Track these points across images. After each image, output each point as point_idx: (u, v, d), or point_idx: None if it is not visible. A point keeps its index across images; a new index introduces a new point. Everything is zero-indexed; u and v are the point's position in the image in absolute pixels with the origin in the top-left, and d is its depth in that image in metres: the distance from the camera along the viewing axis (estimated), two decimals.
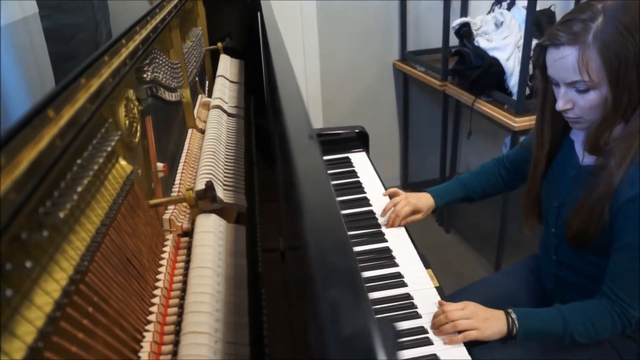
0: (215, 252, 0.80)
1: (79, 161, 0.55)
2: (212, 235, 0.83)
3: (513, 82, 2.48)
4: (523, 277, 1.56)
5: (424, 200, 1.59)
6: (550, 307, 1.26)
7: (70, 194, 0.52)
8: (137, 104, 0.85)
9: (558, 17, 3.01)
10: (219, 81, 1.59)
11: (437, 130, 3.17)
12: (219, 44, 1.93)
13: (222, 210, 0.95)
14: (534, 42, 2.42)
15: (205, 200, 0.89)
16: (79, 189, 0.54)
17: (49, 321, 0.45)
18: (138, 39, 0.78)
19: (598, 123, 1.14)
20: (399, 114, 3.44)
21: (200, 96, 1.60)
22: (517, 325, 1.18)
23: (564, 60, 1.11)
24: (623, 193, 1.10)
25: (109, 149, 0.65)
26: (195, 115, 1.39)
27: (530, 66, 2.44)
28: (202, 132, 1.36)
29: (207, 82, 1.89)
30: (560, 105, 1.17)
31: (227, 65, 1.78)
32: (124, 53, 0.69)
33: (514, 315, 1.18)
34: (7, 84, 0.65)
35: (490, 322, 1.18)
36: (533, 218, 1.44)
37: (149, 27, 0.86)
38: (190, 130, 1.33)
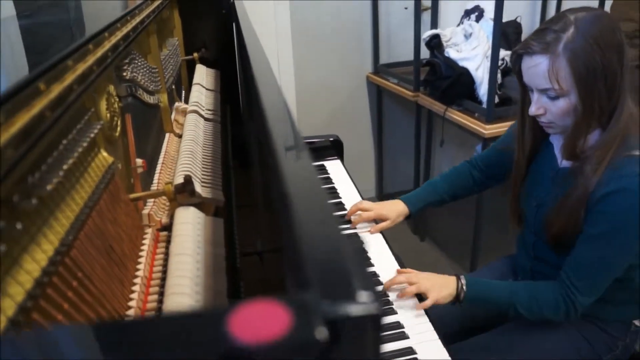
0: (194, 241, 0.82)
1: (64, 141, 0.58)
2: (190, 226, 0.86)
3: (483, 91, 2.55)
4: (498, 273, 1.61)
5: (390, 206, 1.61)
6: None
7: (56, 170, 0.54)
8: (117, 99, 0.87)
9: (524, 28, 3.11)
10: (195, 88, 1.62)
11: (411, 141, 3.23)
12: (195, 54, 1.96)
13: (200, 205, 0.98)
14: (502, 52, 2.51)
15: (184, 193, 0.91)
16: (65, 166, 0.56)
17: (37, 285, 0.48)
18: (119, 34, 0.81)
19: (571, 130, 1.20)
20: (373, 126, 3.50)
21: (177, 103, 1.62)
22: (465, 290, 1.27)
23: (536, 68, 1.17)
24: (597, 193, 1.16)
25: (92, 135, 0.67)
26: (174, 116, 1.42)
27: (499, 75, 2.52)
28: (180, 136, 1.38)
29: (183, 91, 1.91)
30: (532, 110, 1.22)
31: (203, 74, 1.82)
32: (107, 45, 0.72)
33: (463, 281, 1.29)
34: None
35: (443, 286, 1.28)
36: (515, 219, 1.49)
37: (129, 26, 0.89)
38: (167, 135, 1.35)
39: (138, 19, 0.98)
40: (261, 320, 0.27)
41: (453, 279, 1.29)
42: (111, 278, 0.70)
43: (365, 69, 3.35)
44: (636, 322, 1.39)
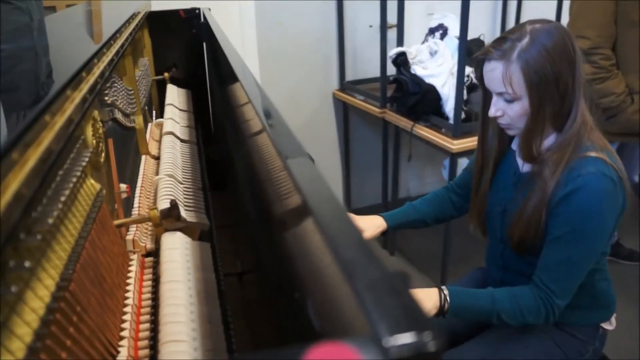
0: (184, 267, 0.81)
1: (60, 172, 0.56)
2: (178, 251, 0.84)
3: (449, 107, 2.60)
4: (472, 287, 1.62)
5: (369, 220, 1.61)
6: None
7: (55, 202, 0.53)
8: (101, 125, 0.86)
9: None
10: (168, 109, 1.60)
11: (378, 156, 3.26)
12: (166, 74, 1.95)
13: (184, 229, 0.97)
14: (467, 69, 2.56)
15: (170, 219, 0.90)
16: (62, 198, 0.55)
17: (43, 324, 0.46)
18: (106, 60, 0.80)
19: (524, 131, 1.26)
20: (340, 142, 3.52)
21: (150, 124, 1.60)
22: (448, 301, 1.27)
23: (492, 73, 1.24)
24: (556, 195, 1.20)
25: (84, 163, 0.66)
26: (149, 136, 1.40)
27: (465, 91, 2.58)
28: (156, 158, 1.36)
29: (154, 111, 1.89)
30: (491, 112, 1.28)
31: (174, 95, 1.80)
32: (97, 71, 0.71)
33: (446, 292, 1.28)
34: None
35: (426, 298, 1.27)
36: (479, 228, 1.51)
37: (113, 50, 0.88)
38: (144, 157, 1.33)
39: (119, 42, 0.97)
40: None
41: (435, 290, 1.29)
42: (104, 309, 0.68)
43: (332, 85, 3.37)
44: (604, 326, 1.43)
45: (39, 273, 0.49)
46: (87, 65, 0.68)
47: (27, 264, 0.42)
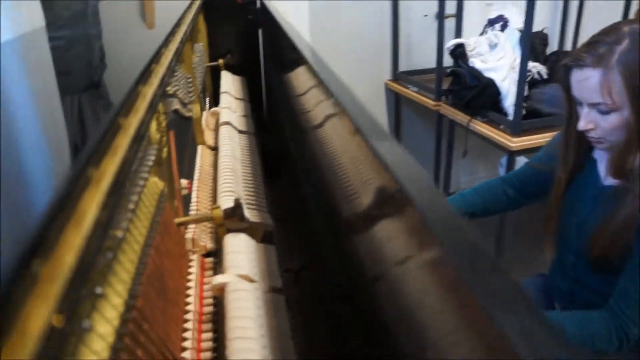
0: (249, 274, 0.75)
1: (129, 176, 0.51)
2: (244, 256, 0.79)
3: (509, 102, 2.49)
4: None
5: None
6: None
7: (125, 212, 0.48)
8: (164, 117, 0.80)
9: (552, 38, 3.05)
10: (224, 97, 1.55)
11: (429, 150, 3.16)
12: (220, 61, 1.90)
13: (246, 230, 0.91)
14: (529, 63, 2.44)
15: (233, 218, 0.84)
16: (131, 206, 0.49)
17: (113, 351, 0.41)
18: (172, 48, 0.74)
19: (621, 146, 1.14)
20: (390, 134, 3.43)
21: (204, 112, 1.56)
22: None
23: (587, 82, 1.11)
24: None
25: (150, 164, 0.60)
26: (204, 125, 1.35)
27: (526, 87, 2.46)
28: (212, 149, 1.31)
29: (207, 99, 1.84)
30: (582, 125, 1.16)
31: (229, 82, 1.75)
32: (165, 62, 0.66)
33: None
34: (14, 97, 0.61)
35: None
36: (551, 238, 1.41)
37: (178, 38, 0.82)
38: (200, 147, 1.28)
39: (182, 29, 0.92)
40: None
41: None
42: (167, 320, 0.63)
43: (384, 75, 3.28)
44: None
45: (108, 294, 0.43)
46: (156, 57, 0.62)
47: (98, 290, 0.36)
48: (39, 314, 0.22)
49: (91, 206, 0.30)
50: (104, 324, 0.42)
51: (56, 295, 0.23)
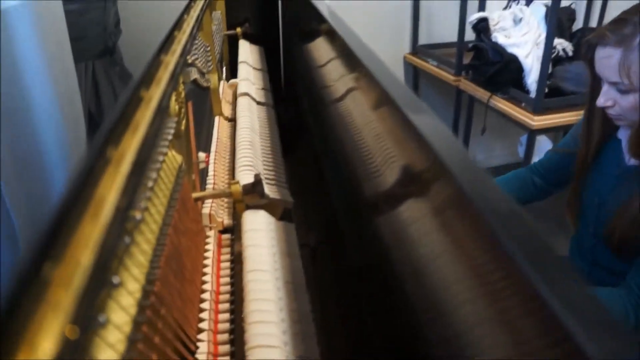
0: (269, 253, 0.72)
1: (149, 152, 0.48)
2: (263, 233, 0.76)
3: (531, 79, 2.42)
4: None
5: None
6: None
7: (144, 191, 0.44)
8: (183, 87, 0.77)
9: (578, 15, 2.96)
10: (242, 68, 1.51)
11: (447, 126, 3.10)
12: (238, 29, 1.85)
13: (265, 206, 0.88)
14: (555, 40, 2.37)
15: (253, 195, 0.81)
16: (150, 183, 0.46)
17: (130, 343, 0.38)
18: (194, 14, 0.70)
19: (638, 126, 1.12)
20: None
21: (222, 82, 1.51)
22: None
23: (608, 60, 1.10)
24: None
25: (170, 137, 0.57)
26: (222, 97, 1.31)
27: (550, 64, 2.39)
28: (229, 120, 1.28)
29: (224, 68, 1.80)
30: (601, 101, 1.15)
31: (247, 51, 1.70)
32: (187, 29, 0.62)
33: None
34: (28, 62, 0.58)
35: None
36: (574, 215, 1.38)
37: (199, 4, 0.78)
38: (217, 118, 1.25)
39: None
40: None
41: None
42: (184, 301, 0.61)
43: (403, 48, 3.21)
44: None
45: (124, 280, 0.40)
46: (179, 23, 0.58)
47: (115, 279, 0.33)
48: (51, 325, 0.19)
49: (110, 192, 0.27)
50: (120, 313, 0.39)
51: (71, 303, 0.20)
